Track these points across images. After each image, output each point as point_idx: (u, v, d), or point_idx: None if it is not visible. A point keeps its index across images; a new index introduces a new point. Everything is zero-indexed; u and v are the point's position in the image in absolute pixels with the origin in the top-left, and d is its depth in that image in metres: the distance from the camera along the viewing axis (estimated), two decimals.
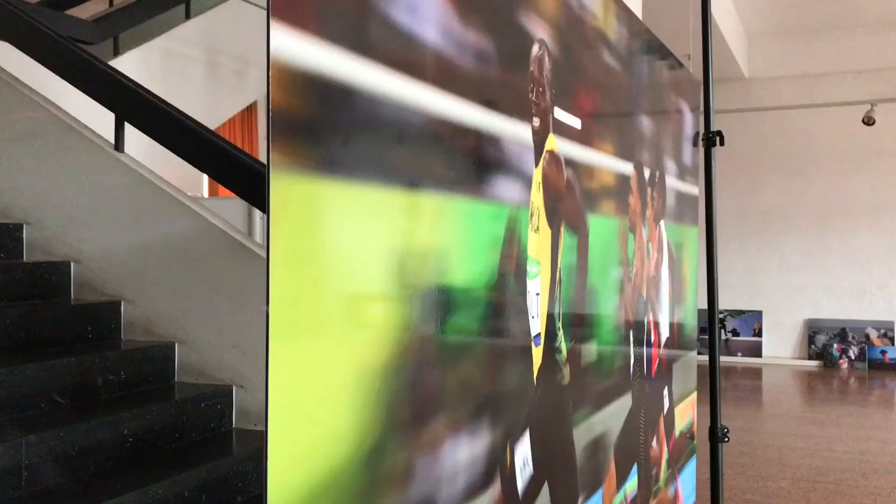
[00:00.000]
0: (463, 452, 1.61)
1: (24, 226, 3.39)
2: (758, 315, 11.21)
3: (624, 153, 2.78)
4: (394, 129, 1.36)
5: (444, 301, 1.53)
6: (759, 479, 5.47)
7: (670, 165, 3.49)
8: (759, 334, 11.21)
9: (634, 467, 2.96)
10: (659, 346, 3.33)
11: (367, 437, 1.29)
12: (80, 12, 5.40)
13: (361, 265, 1.27)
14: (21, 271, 3.15)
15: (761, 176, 11.18)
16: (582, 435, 2.37)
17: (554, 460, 2.16)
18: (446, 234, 1.54)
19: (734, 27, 9.68)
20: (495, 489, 1.78)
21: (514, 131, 1.85)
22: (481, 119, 1.67)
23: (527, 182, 1.95)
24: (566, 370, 2.23)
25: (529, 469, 1.99)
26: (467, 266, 1.63)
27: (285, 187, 1.09)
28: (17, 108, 3.46)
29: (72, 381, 2.68)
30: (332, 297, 1.20)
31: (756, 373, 10.40)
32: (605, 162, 2.58)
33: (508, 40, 1.82)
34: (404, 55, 1.39)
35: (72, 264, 3.29)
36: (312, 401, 1.15)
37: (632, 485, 2.92)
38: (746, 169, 11.02)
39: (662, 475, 3.40)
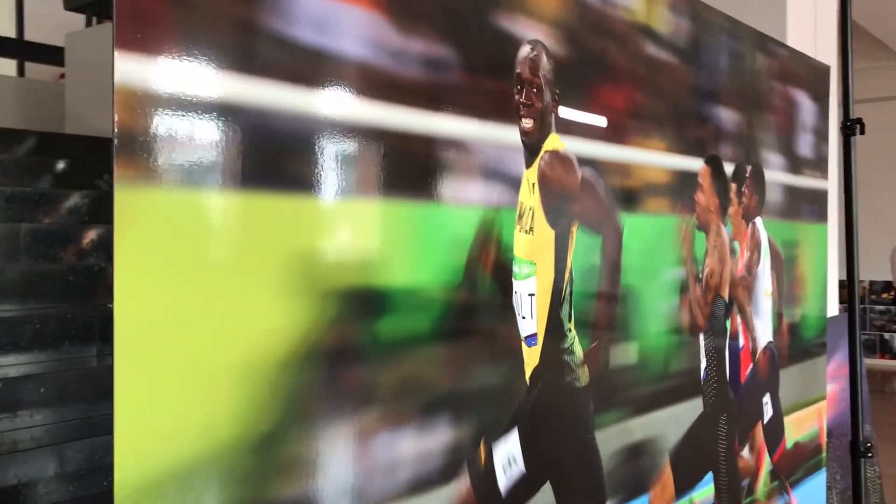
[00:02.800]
0: (405, 447, 1.68)
1: None
2: None
3: (686, 149, 2.68)
4: (290, 139, 1.46)
5: (372, 301, 1.61)
6: None
7: (775, 159, 3.28)
8: None
9: (709, 476, 2.84)
10: (753, 350, 3.15)
11: (256, 426, 1.40)
12: None
13: (241, 268, 1.38)
14: None
15: None
16: (612, 438, 2.33)
17: (560, 461, 2.15)
18: (376, 238, 1.62)
19: None
20: (460, 484, 1.83)
21: (484, 135, 1.88)
22: (427, 125, 1.73)
23: (510, 184, 1.97)
24: (582, 371, 2.21)
25: (519, 468, 2.00)
26: (412, 268, 1.70)
27: (133, 197, 1.24)
28: None
29: None
30: (196, 297, 1.32)
31: None
32: (652, 159, 2.50)
33: (472, 45, 1.86)
34: (304, 68, 1.49)
35: None
36: (170, 393, 1.29)
37: (703, 493, 2.80)
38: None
39: (761, 487, 3.20)
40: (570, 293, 2.17)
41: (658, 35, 2.51)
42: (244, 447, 1.38)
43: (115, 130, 1.21)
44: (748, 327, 3.11)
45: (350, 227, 1.57)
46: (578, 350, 2.20)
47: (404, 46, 1.68)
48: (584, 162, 2.21)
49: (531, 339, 2.05)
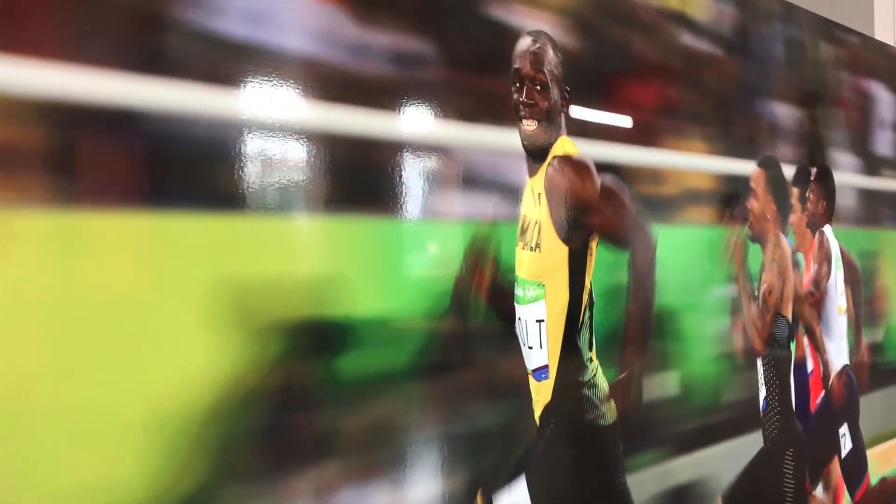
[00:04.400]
0: (379, 502, 1.45)
1: None
2: None
3: (734, 151, 2.37)
4: (211, 148, 1.26)
5: (329, 335, 1.39)
6: None
7: (847, 159, 2.92)
8: None
9: None
10: (825, 375, 2.78)
11: (174, 488, 1.19)
12: None
13: (149, 300, 1.19)
14: None
15: None
16: (648, 482, 2.04)
17: None
18: (333, 261, 1.40)
19: None
20: None
21: (470, 139, 1.64)
22: (394, 128, 1.50)
23: (507, 194, 1.72)
24: (607, 407, 1.92)
25: None
26: (382, 294, 1.47)
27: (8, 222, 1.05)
28: None
29: None
30: (89, 336, 1.13)
31: None
32: (692, 163, 2.21)
33: (450, 37, 1.62)
34: (221, 69, 1.29)
35: None
36: (55, 454, 1.09)
37: None
38: None
39: None
40: (590, 318, 1.90)
41: (695, 23, 2.23)
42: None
43: None
44: (818, 349, 2.75)
45: (299, 249, 1.36)
46: (602, 383, 1.92)
47: (365, 40, 1.46)
48: (607, 168, 1.95)
49: (541, 371, 1.79)
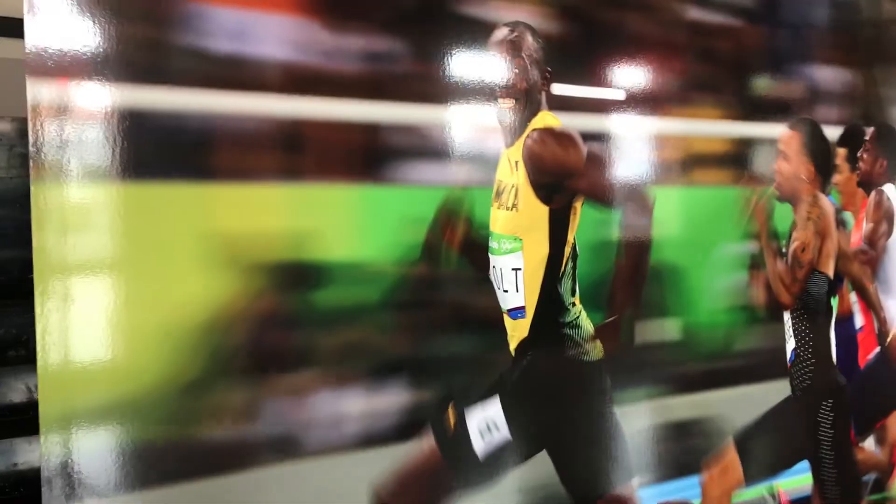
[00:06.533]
0: (348, 406, 1.88)
1: None
2: None
3: (755, 114, 2.51)
4: (204, 136, 1.73)
5: (305, 273, 1.83)
6: None
7: None
8: None
9: (804, 465, 2.63)
10: (881, 332, 2.82)
11: (180, 377, 1.70)
12: None
13: (162, 247, 1.69)
14: None
15: None
16: (642, 414, 2.30)
17: (561, 433, 2.18)
18: (309, 218, 1.84)
19: None
20: (422, 443, 1.97)
21: (440, 118, 2.00)
22: (366, 113, 1.90)
23: (482, 163, 2.06)
24: (592, 346, 2.20)
25: (502, 434, 2.08)
26: (355, 245, 1.89)
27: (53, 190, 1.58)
28: None
29: None
30: (120, 269, 1.65)
31: None
32: (699, 128, 2.40)
33: (424, 35, 1.98)
34: (231, 74, 1.75)
35: None
36: (91, 343, 1.62)
37: (795, 482, 2.61)
38: None
39: None
40: (574, 268, 2.19)
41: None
42: (168, 392, 1.68)
43: (32, 140, 1.56)
44: (872, 306, 2.80)
45: (280, 210, 1.80)
46: (587, 325, 2.20)
47: (344, 43, 1.86)
48: (602, 137, 2.22)
49: (516, 312, 2.12)
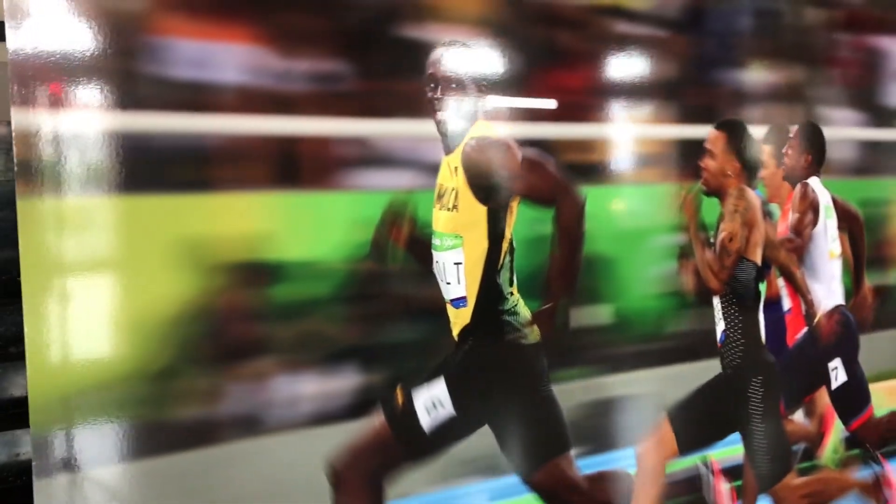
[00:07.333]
0: (305, 388, 2.13)
1: None
2: None
3: (683, 117, 2.75)
4: (171, 152, 1.97)
5: (263, 272, 2.07)
6: None
7: (849, 114, 3.14)
8: None
9: (736, 437, 2.87)
10: (808, 314, 3.06)
11: (150, 364, 1.95)
12: None
13: (135, 249, 1.93)
14: None
15: None
16: (578, 392, 2.55)
17: (501, 408, 2.42)
18: (266, 223, 2.08)
19: None
20: (373, 420, 2.22)
21: (386, 131, 2.24)
22: (315, 128, 2.14)
23: (423, 169, 2.30)
24: (529, 330, 2.44)
25: (447, 411, 2.33)
26: (308, 246, 2.13)
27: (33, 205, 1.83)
28: None
29: None
30: (96, 268, 1.89)
31: None
32: (628, 131, 2.64)
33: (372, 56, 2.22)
34: (190, 98, 1.99)
35: None
36: (75, 335, 1.87)
37: (728, 453, 2.85)
38: None
39: (830, 454, 3.12)
40: (511, 261, 2.43)
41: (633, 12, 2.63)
42: (140, 379, 1.93)
43: (16, 160, 1.81)
44: (799, 290, 3.04)
45: (238, 216, 2.05)
46: (524, 311, 2.44)
47: (293, 66, 2.10)
48: (537, 143, 2.45)
49: (458, 301, 2.36)
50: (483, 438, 2.38)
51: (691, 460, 2.80)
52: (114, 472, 1.87)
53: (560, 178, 2.49)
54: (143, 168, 1.95)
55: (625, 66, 2.62)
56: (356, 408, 2.20)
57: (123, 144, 1.91)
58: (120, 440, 1.85)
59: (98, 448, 1.89)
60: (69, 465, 1.83)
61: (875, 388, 3.24)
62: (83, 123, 1.87)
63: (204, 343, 2.01)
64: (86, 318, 1.88)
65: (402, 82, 2.27)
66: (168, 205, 1.98)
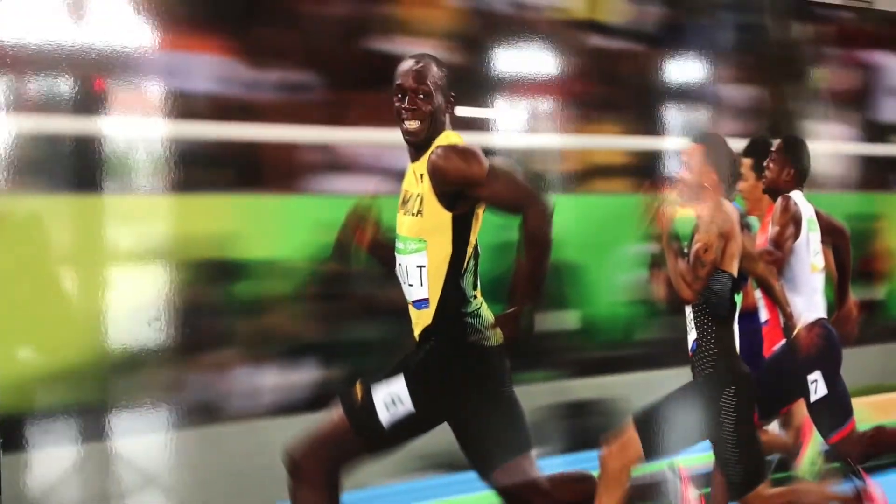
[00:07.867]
0: (265, 380, 2.26)
1: None
2: None
3: (659, 129, 2.81)
4: (147, 156, 2.12)
5: (225, 269, 2.21)
6: None
7: (836, 129, 3.16)
8: None
9: (706, 445, 2.91)
10: (786, 326, 3.08)
11: (115, 354, 2.10)
12: None
13: (106, 246, 2.08)
14: None
15: None
16: (539, 394, 2.63)
17: (461, 407, 2.50)
18: (227, 223, 2.21)
19: None
20: (332, 413, 2.33)
21: (352, 138, 2.36)
22: (280, 135, 2.27)
23: (389, 176, 2.41)
24: (492, 333, 2.52)
25: (406, 407, 2.42)
26: (271, 245, 2.26)
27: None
28: None
29: None
30: (72, 268, 2.05)
31: None
32: (605, 143, 2.71)
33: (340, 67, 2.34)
34: (152, 105, 2.13)
35: None
36: (39, 327, 2.03)
37: (697, 460, 2.90)
38: None
39: (807, 465, 3.14)
40: (475, 266, 2.51)
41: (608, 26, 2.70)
42: (106, 366, 2.08)
43: None
44: (777, 303, 3.06)
45: (201, 216, 2.18)
46: (487, 314, 2.52)
47: (263, 77, 2.23)
48: (502, 152, 2.54)
49: (420, 303, 2.46)
50: (444, 435, 2.48)
51: (659, 465, 2.85)
52: (79, 450, 2.01)
53: (526, 186, 2.56)
54: (124, 171, 2.10)
55: (592, 77, 2.69)
56: (315, 401, 2.32)
57: (105, 149, 2.06)
58: (87, 423, 2.00)
59: (63, 430, 2.04)
60: (32, 443, 1.98)
61: (860, 403, 3.24)
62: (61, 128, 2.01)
63: (171, 335, 2.15)
64: (61, 312, 2.03)
65: (370, 93, 2.39)
66: (135, 204, 2.12)
